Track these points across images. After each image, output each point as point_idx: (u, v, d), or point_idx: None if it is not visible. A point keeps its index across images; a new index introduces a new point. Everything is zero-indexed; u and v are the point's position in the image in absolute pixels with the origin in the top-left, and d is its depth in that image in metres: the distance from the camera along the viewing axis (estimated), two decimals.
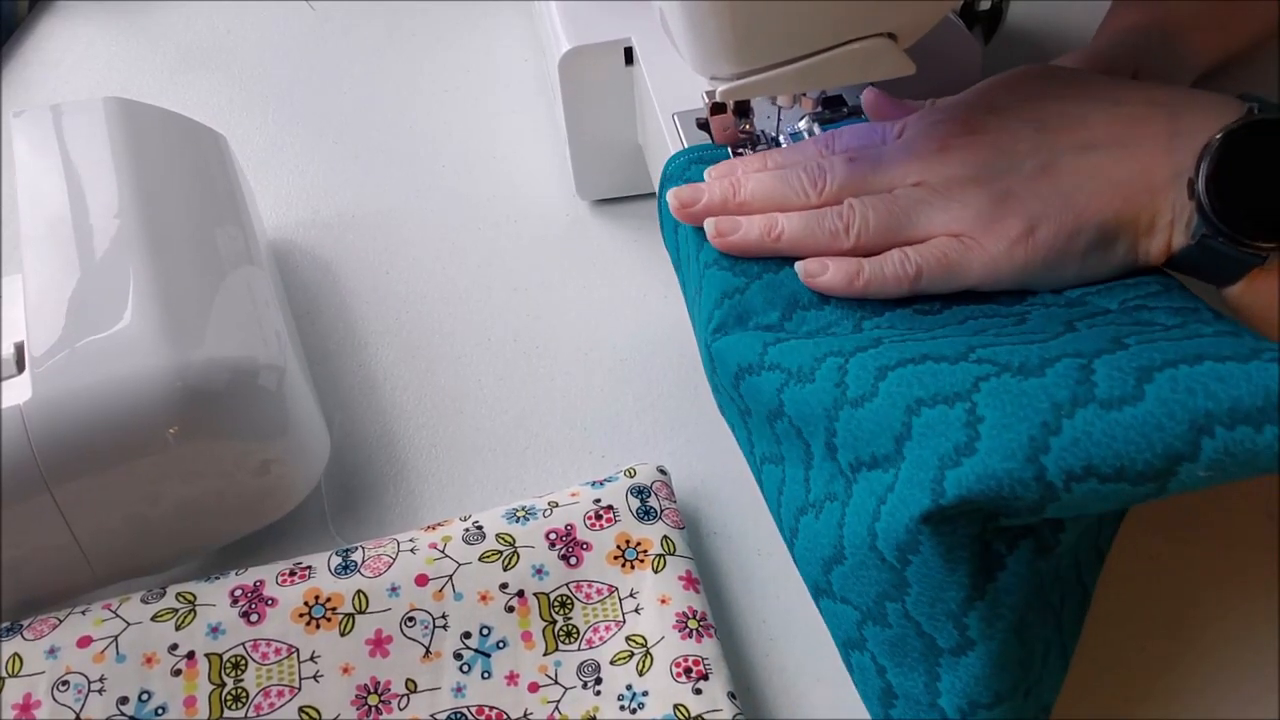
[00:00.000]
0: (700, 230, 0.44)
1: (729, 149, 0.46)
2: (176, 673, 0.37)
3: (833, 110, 0.48)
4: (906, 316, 0.41)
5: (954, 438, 0.33)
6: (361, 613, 0.39)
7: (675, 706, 0.37)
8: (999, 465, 0.32)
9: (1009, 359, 0.34)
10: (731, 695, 0.37)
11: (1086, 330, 0.37)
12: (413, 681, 0.38)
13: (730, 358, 0.41)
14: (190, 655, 0.38)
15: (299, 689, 0.38)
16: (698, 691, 0.37)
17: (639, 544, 0.41)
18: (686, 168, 0.46)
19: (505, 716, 0.38)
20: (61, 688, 0.37)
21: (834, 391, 0.37)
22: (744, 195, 0.43)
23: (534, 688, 0.38)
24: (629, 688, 0.38)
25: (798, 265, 0.41)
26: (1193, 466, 0.31)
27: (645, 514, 0.42)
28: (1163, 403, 0.31)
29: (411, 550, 0.41)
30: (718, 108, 0.46)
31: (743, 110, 0.47)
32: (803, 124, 0.47)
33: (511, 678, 0.39)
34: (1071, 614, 0.38)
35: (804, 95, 0.47)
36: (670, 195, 0.44)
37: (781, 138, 0.47)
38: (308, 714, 0.37)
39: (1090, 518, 0.37)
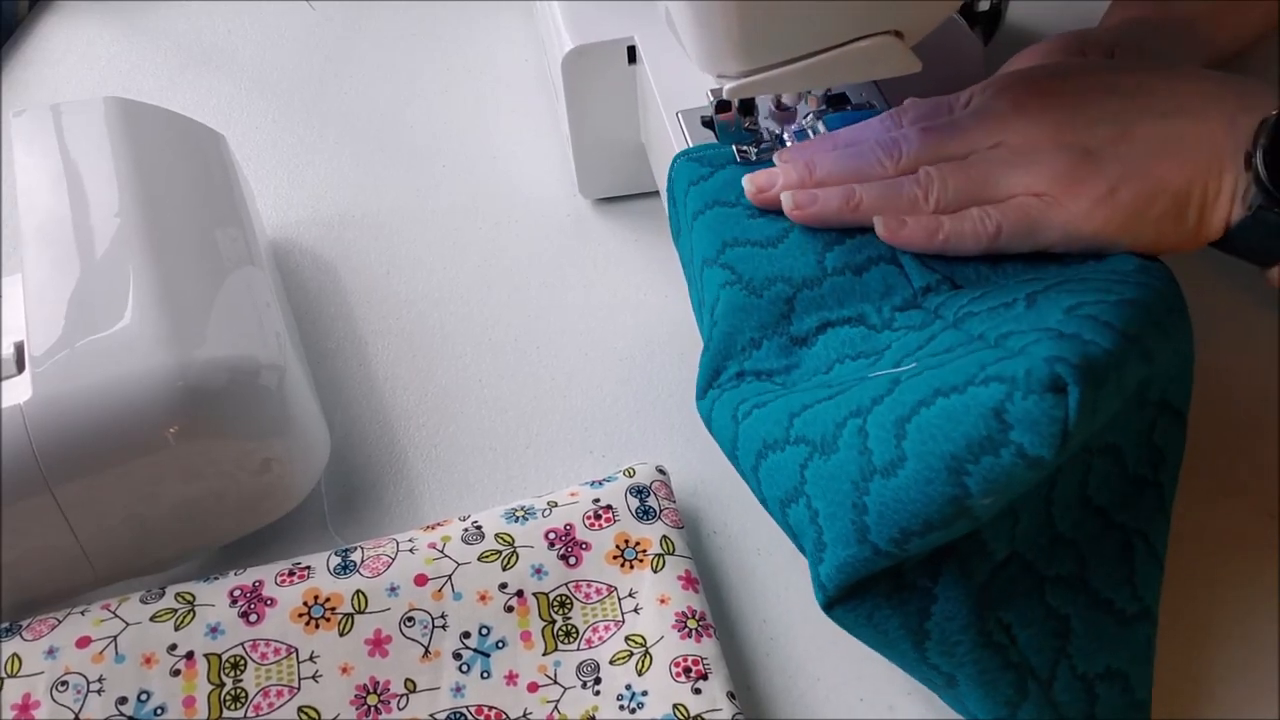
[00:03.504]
0: (707, 231, 0.43)
1: (733, 147, 0.46)
2: (175, 673, 0.37)
3: (837, 108, 0.48)
4: (783, 347, 0.41)
5: (810, 535, 0.35)
6: (360, 613, 0.39)
7: (675, 706, 0.37)
8: (844, 553, 0.34)
9: (815, 433, 0.35)
10: (731, 695, 0.37)
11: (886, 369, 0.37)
12: (412, 681, 0.38)
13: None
14: (189, 655, 0.38)
15: (298, 689, 0.38)
16: (697, 691, 0.37)
17: (638, 544, 0.41)
18: (691, 169, 0.46)
19: (504, 716, 0.38)
20: (60, 688, 0.37)
21: (756, 487, 0.39)
22: (820, 174, 0.42)
23: (533, 687, 0.38)
24: (628, 687, 0.38)
25: (876, 221, 0.41)
26: (977, 499, 0.31)
27: (644, 514, 0.42)
28: (920, 458, 0.32)
29: (411, 550, 0.41)
30: (723, 106, 0.46)
31: (747, 108, 0.47)
32: (807, 121, 0.47)
33: (511, 677, 0.39)
34: (1070, 570, 0.37)
35: (809, 92, 0.47)
36: (746, 181, 0.43)
37: (786, 135, 0.47)
38: (307, 714, 0.37)
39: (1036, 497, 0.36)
